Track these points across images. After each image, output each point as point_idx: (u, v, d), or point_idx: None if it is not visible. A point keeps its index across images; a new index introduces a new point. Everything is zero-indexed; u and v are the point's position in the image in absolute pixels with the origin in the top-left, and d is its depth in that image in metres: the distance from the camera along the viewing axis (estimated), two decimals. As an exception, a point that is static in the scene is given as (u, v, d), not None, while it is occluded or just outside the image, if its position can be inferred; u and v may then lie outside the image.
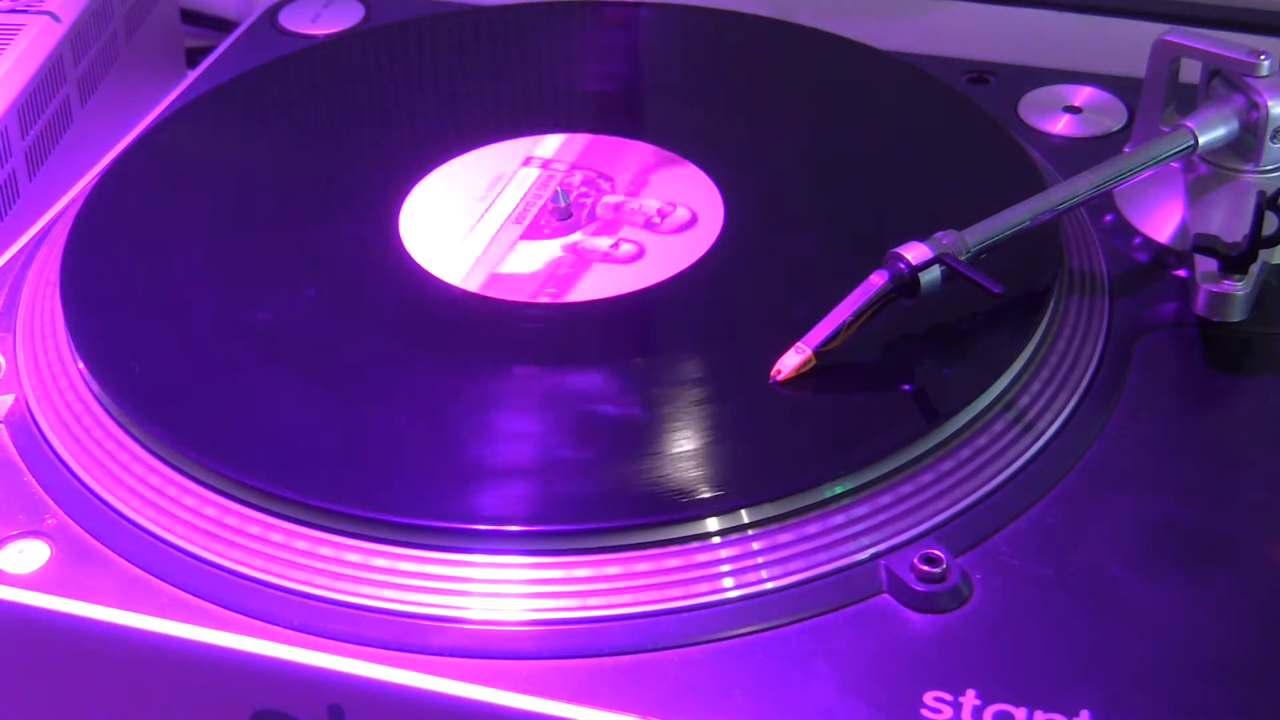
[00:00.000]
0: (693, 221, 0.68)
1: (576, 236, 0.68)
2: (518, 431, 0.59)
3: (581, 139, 0.73)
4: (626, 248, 0.67)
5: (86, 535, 0.57)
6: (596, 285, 0.65)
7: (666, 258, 0.66)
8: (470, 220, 0.69)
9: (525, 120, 0.75)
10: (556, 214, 0.69)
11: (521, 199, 0.70)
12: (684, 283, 0.65)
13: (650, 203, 0.69)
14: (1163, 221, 0.67)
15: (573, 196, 0.69)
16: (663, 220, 0.68)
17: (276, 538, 0.56)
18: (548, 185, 0.70)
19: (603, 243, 0.67)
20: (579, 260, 0.66)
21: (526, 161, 0.72)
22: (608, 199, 0.70)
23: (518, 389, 0.61)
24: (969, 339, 0.61)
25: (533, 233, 0.68)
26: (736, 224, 0.67)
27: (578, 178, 0.71)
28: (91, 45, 0.83)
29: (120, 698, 0.56)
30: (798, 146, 0.72)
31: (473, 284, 0.65)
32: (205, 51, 0.87)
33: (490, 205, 0.70)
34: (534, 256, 0.67)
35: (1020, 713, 0.50)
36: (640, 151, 0.72)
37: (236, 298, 0.65)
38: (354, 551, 0.55)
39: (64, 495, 0.59)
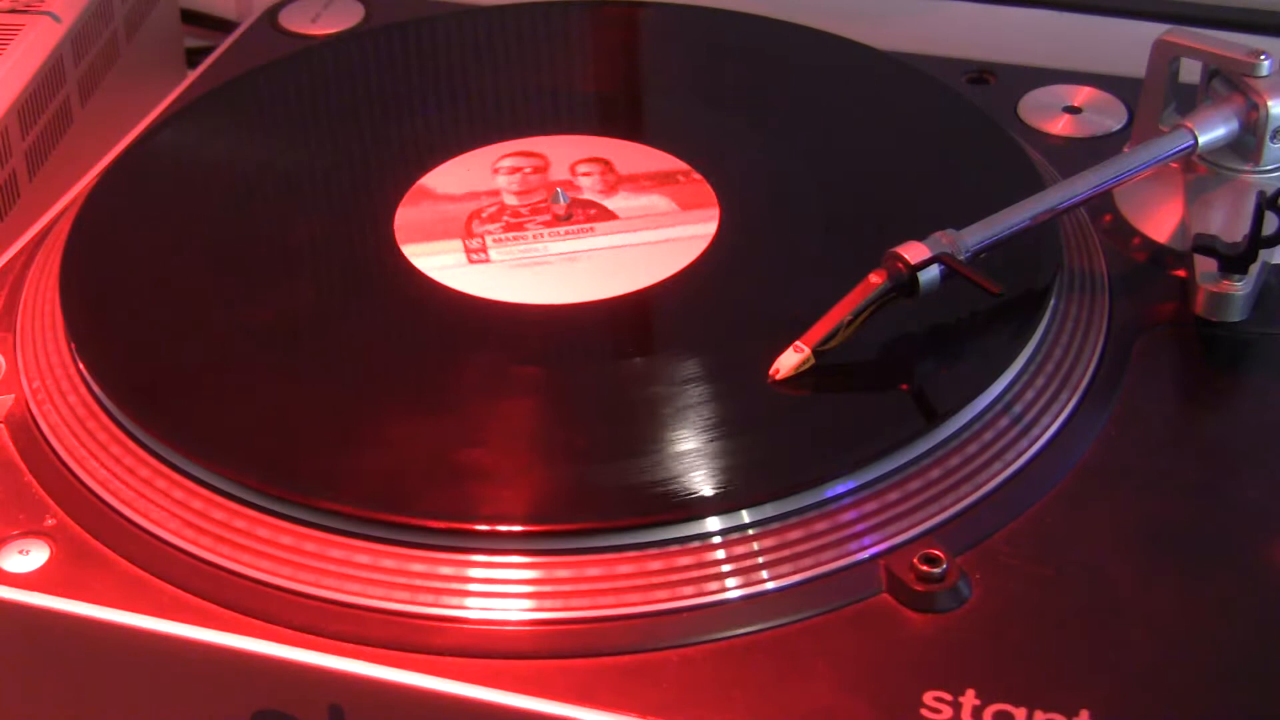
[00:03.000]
0: (690, 223, 0.68)
1: (575, 236, 0.68)
2: (517, 431, 0.59)
3: (582, 139, 0.73)
4: (622, 246, 0.67)
5: (86, 535, 0.57)
6: (596, 285, 0.65)
7: (666, 258, 0.66)
8: (469, 221, 0.69)
9: (524, 120, 0.75)
10: (556, 215, 0.69)
11: (520, 199, 0.70)
12: (684, 283, 0.65)
13: (642, 200, 0.69)
14: (1162, 221, 0.67)
15: (572, 196, 0.70)
16: (655, 218, 0.68)
17: (277, 538, 0.56)
18: (547, 185, 0.70)
19: (600, 242, 0.67)
20: (577, 259, 0.66)
21: (525, 162, 0.72)
22: (605, 199, 0.70)
23: (517, 389, 0.61)
24: (968, 339, 0.61)
25: (530, 233, 0.68)
26: (736, 224, 0.67)
27: (577, 178, 0.71)
28: (91, 45, 0.83)
29: (120, 698, 0.56)
30: (797, 146, 0.72)
31: (472, 284, 0.65)
32: (205, 51, 0.87)
33: (489, 205, 0.70)
34: (533, 256, 0.67)
35: (1020, 713, 0.50)
36: (640, 151, 0.72)
37: (236, 298, 0.65)
38: (355, 551, 0.55)
39: (64, 495, 0.59)
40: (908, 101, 0.75)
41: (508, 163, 0.72)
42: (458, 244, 0.67)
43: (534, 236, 0.68)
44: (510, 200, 0.70)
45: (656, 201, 0.69)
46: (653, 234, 0.67)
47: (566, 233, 0.68)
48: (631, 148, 0.73)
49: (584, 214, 0.69)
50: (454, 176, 0.71)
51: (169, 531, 0.57)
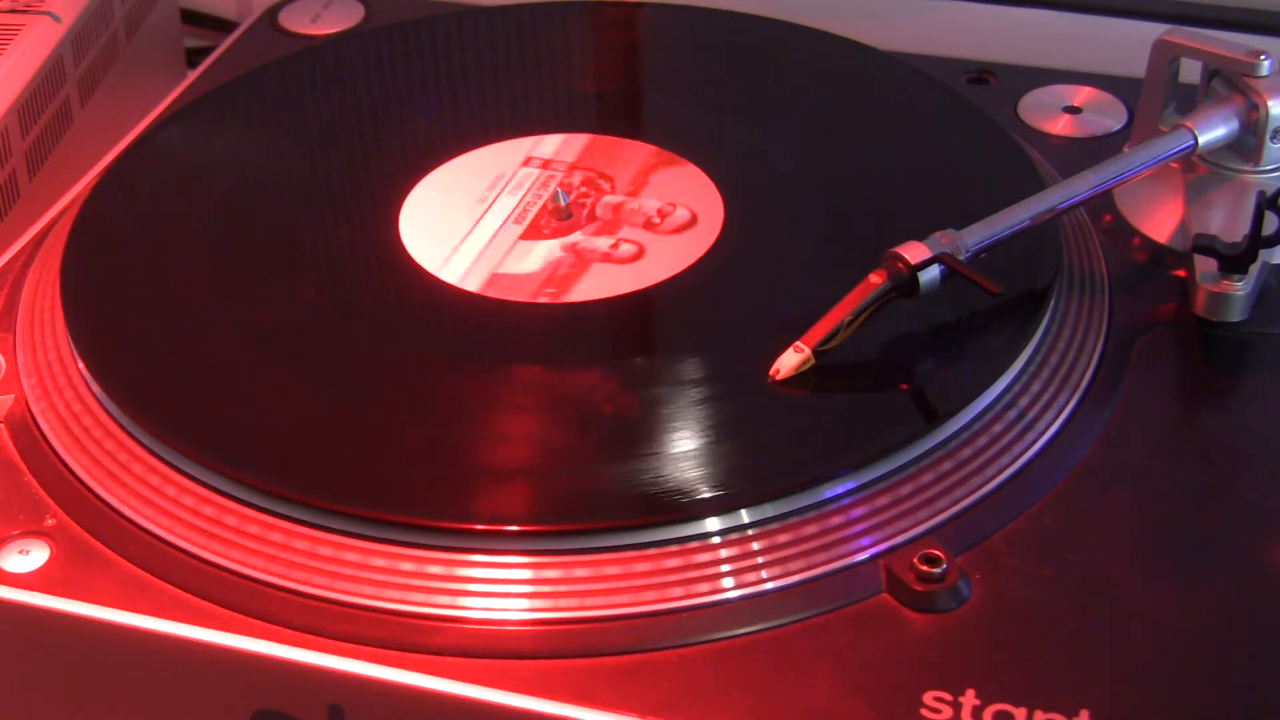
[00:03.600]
0: (693, 221, 0.68)
1: (576, 236, 0.68)
2: (517, 431, 0.59)
3: (581, 139, 0.73)
4: (626, 248, 0.67)
5: (86, 535, 0.57)
6: (596, 285, 0.65)
7: (666, 258, 0.66)
8: (470, 220, 0.69)
9: (525, 120, 0.75)
10: (556, 214, 0.69)
11: (521, 199, 0.70)
12: (684, 283, 0.65)
13: (650, 203, 0.69)
14: (1162, 221, 0.67)
15: (573, 196, 0.70)
16: (663, 220, 0.68)
17: (276, 537, 0.56)
18: (548, 185, 0.70)
19: (602, 243, 0.67)
20: (579, 260, 0.66)
21: (526, 162, 0.72)
22: (608, 199, 0.70)
23: (517, 389, 0.61)
24: (969, 339, 0.61)
25: (532, 233, 0.68)
26: (736, 224, 0.67)
27: (578, 178, 0.71)
28: (91, 45, 0.83)
29: (120, 698, 0.56)
30: (798, 146, 0.72)
31: (472, 284, 0.65)
32: (205, 51, 0.87)
33: (490, 205, 0.70)
34: (534, 256, 0.67)
35: (1020, 713, 0.50)
36: (640, 151, 0.72)
37: (236, 298, 0.65)
38: (354, 551, 0.55)
39: (64, 495, 0.59)
40: (908, 101, 0.75)
41: (511, 163, 0.72)
42: (458, 244, 0.67)
43: (535, 236, 0.68)
44: (512, 200, 0.70)
45: (657, 202, 0.69)
46: (654, 234, 0.67)
47: (567, 232, 0.68)
48: (632, 147, 0.73)
49: (584, 214, 0.69)
50: (454, 176, 0.71)
51: (169, 531, 0.57)
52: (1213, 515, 0.57)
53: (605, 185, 0.70)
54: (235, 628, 0.54)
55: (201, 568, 0.56)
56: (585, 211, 0.69)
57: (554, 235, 0.68)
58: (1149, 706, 0.51)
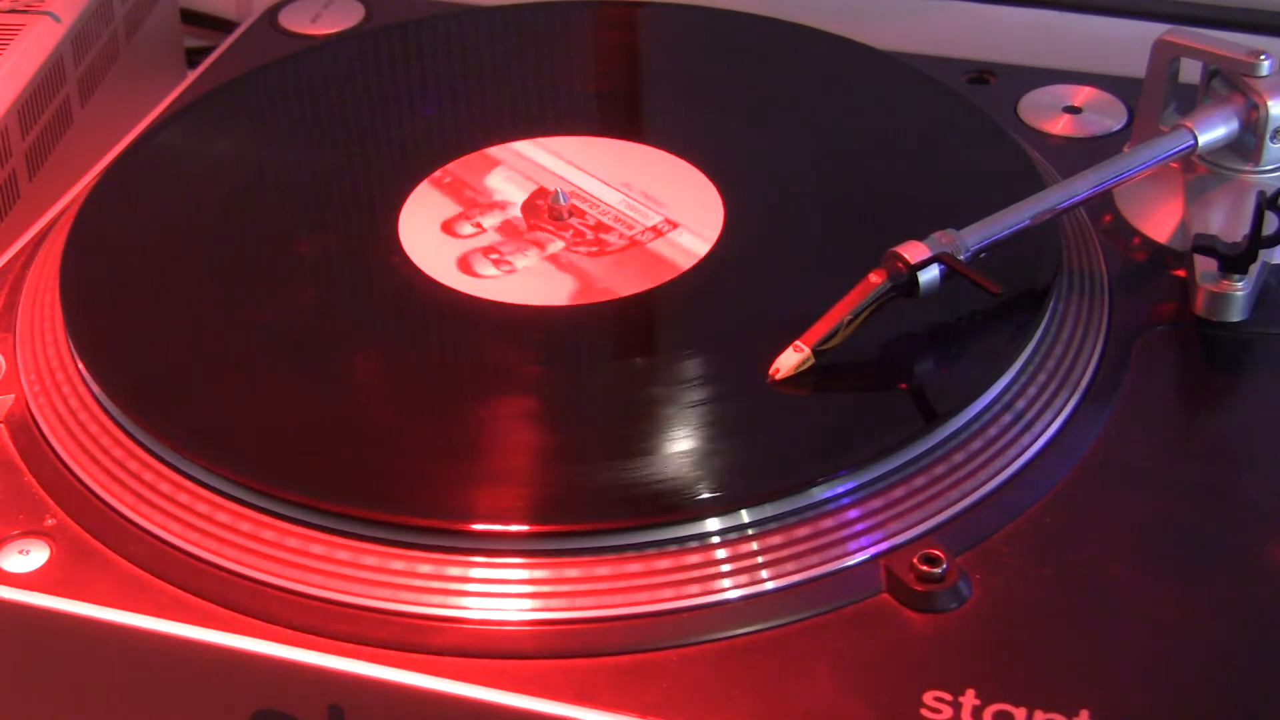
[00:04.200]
0: (691, 223, 0.68)
1: (575, 237, 0.68)
2: (517, 431, 0.59)
3: (582, 139, 0.73)
4: (622, 249, 0.67)
5: (86, 535, 0.57)
6: (596, 286, 0.65)
7: (666, 258, 0.66)
8: (470, 221, 0.69)
9: (525, 120, 0.75)
10: (555, 215, 0.69)
11: (521, 200, 0.70)
12: (684, 283, 0.65)
13: (645, 205, 0.69)
14: (1162, 221, 0.67)
15: (572, 198, 0.69)
16: (656, 225, 0.68)
17: (276, 538, 0.56)
18: (547, 185, 0.70)
19: (601, 244, 0.67)
20: (579, 260, 0.66)
21: (526, 162, 0.72)
22: (605, 201, 0.70)
23: (517, 389, 0.61)
24: (969, 339, 0.61)
25: (532, 233, 0.68)
26: (736, 224, 0.67)
27: (576, 179, 0.71)
28: (91, 45, 0.83)
29: (120, 698, 0.56)
30: (798, 146, 0.72)
31: (472, 285, 0.65)
32: (205, 51, 0.87)
33: (490, 206, 0.70)
34: (534, 257, 0.67)
35: (1020, 713, 0.50)
36: (640, 151, 0.72)
37: (236, 298, 0.65)
38: (354, 551, 0.55)
39: (64, 495, 0.59)
40: (908, 101, 0.75)
41: (510, 164, 0.72)
42: (459, 244, 0.67)
43: (535, 237, 0.68)
44: (512, 200, 0.70)
45: (657, 202, 0.69)
46: (654, 234, 0.67)
47: (567, 232, 0.68)
48: (632, 147, 0.73)
49: (585, 214, 0.69)
50: (455, 177, 0.71)
51: (169, 531, 0.57)
52: (1213, 515, 0.57)
53: (603, 187, 0.70)
54: (235, 628, 0.54)
55: (201, 568, 0.56)
56: (584, 212, 0.69)
57: (554, 235, 0.68)
58: (1149, 706, 0.51)
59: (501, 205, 0.70)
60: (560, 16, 0.82)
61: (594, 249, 0.67)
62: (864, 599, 0.54)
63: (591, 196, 0.70)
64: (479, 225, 0.68)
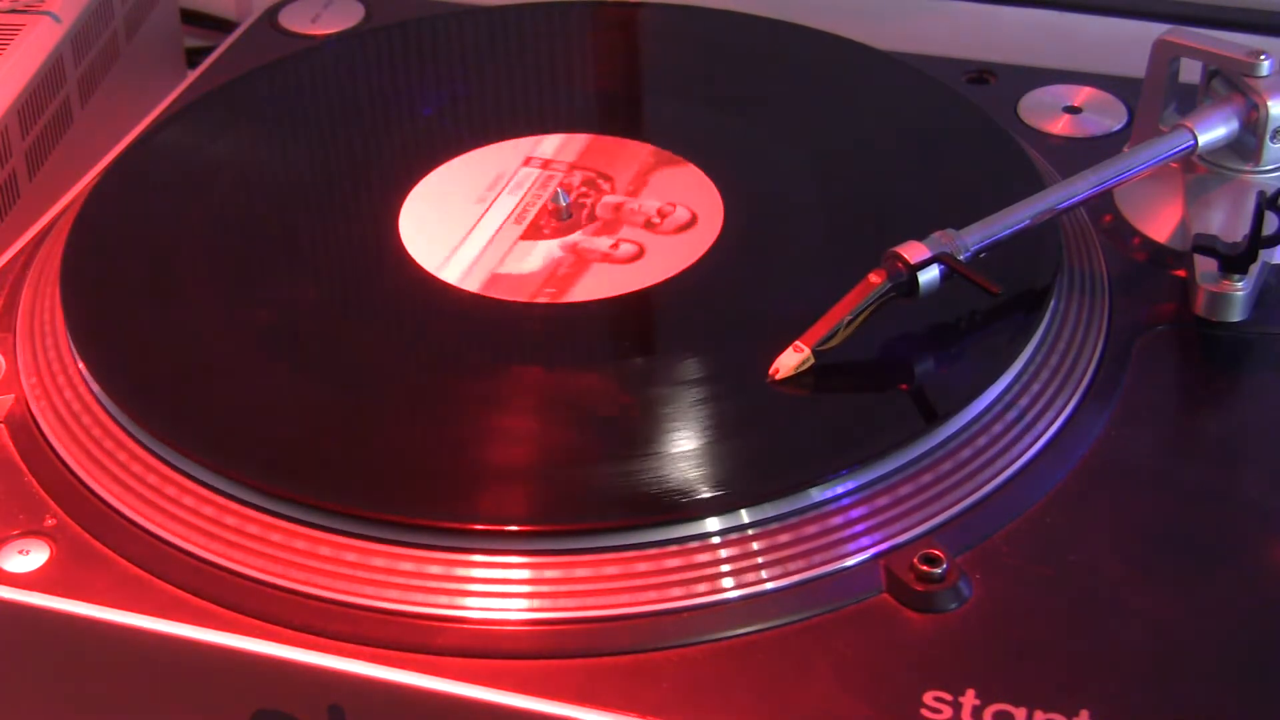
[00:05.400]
0: (693, 221, 0.68)
1: (576, 237, 0.68)
2: (517, 431, 0.59)
3: (581, 139, 0.73)
4: (626, 248, 0.67)
5: (86, 535, 0.57)
6: (596, 285, 0.65)
7: (666, 258, 0.66)
8: (470, 220, 0.69)
9: (525, 120, 0.75)
10: (556, 214, 0.69)
11: (521, 199, 0.70)
12: (684, 283, 0.65)
13: (650, 203, 0.69)
14: (1162, 221, 0.67)
15: (573, 196, 0.70)
16: (663, 220, 0.68)
17: (276, 537, 0.56)
18: (548, 185, 0.71)
19: (602, 243, 0.67)
20: (579, 260, 0.66)
21: (526, 162, 0.72)
22: (608, 199, 0.70)
23: (517, 389, 0.61)
24: (969, 339, 0.61)
25: (532, 233, 0.68)
26: (736, 224, 0.67)
27: (578, 178, 0.71)
28: (91, 45, 0.83)
29: (120, 697, 0.56)
30: (798, 146, 0.72)
31: (472, 284, 0.65)
32: (205, 51, 0.87)
33: (490, 205, 0.70)
34: (534, 256, 0.67)
35: (1020, 713, 0.50)
36: (640, 151, 0.72)
37: (236, 298, 0.65)
38: (354, 551, 0.55)
39: (64, 495, 0.59)
40: (908, 101, 0.75)
41: (511, 163, 0.72)
42: (458, 244, 0.67)
43: (535, 236, 0.68)
44: (513, 200, 0.70)
45: (657, 202, 0.69)
46: (653, 234, 0.67)
47: (567, 233, 0.68)
48: (632, 147, 0.73)
49: (585, 214, 0.69)
50: (455, 176, 0.71)
51: (169, 531, 0.57)
52: (1213, 515, 0.57)
53: (605, 185, 0.70)
54: (235, 628, 0.54)
55: (201, 568, 0.56)
56: (585, 212, 0.69)
57: (554, 235, 0.68)
58: (1149, 706, 0.51)
59: (502, 204, 0.69)
60: (560, 16, 0.82)
61: (594, 249, 0.67)
62: (864, 599, 0.54)
63: (591, 197, 0.70)
64: (482, 224, 0.69)
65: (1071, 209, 0.64)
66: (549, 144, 0.73)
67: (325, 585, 0.55)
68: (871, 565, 0.55)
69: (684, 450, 0.57)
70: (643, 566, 0.54)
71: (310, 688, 0.53)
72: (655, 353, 0.63)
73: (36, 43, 0.78)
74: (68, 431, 0.61)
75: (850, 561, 0.55)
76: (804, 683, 0.51)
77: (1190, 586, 0.54)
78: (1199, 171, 0.67)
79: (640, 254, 0.66)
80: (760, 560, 0.54)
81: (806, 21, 0.79)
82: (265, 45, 0.83)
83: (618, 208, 0.69)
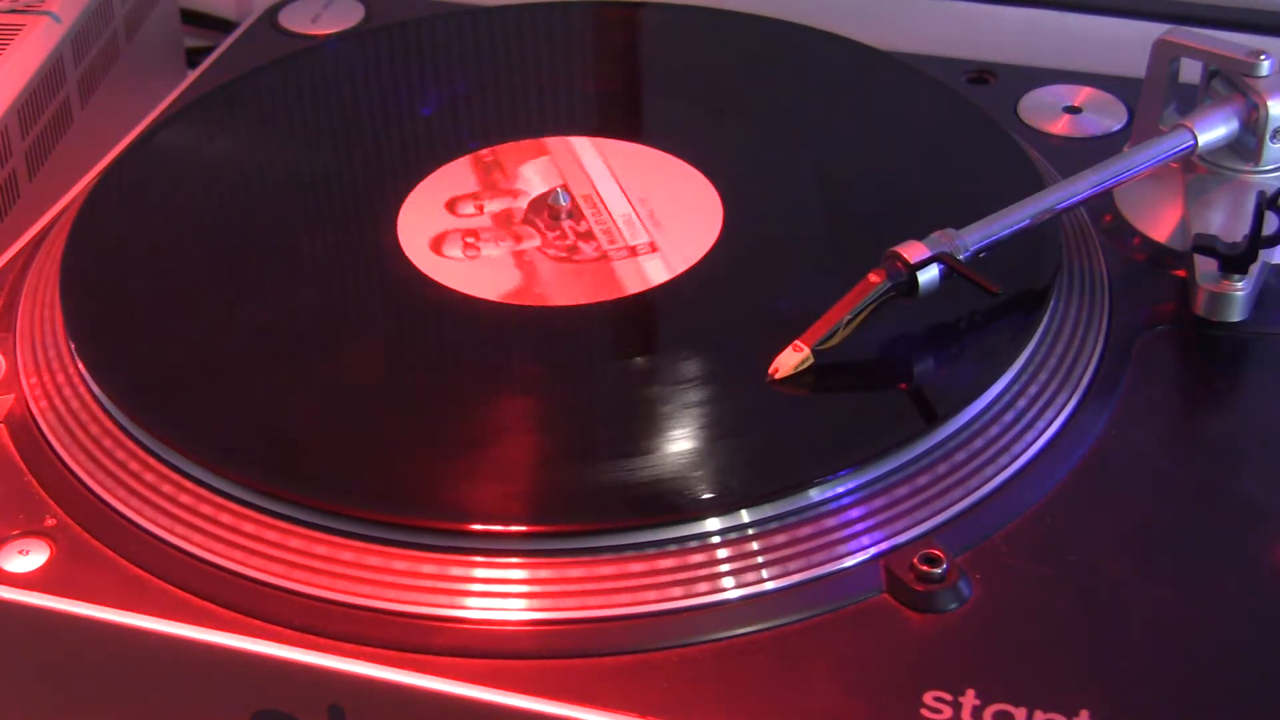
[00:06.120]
0: (689, 223, 0.68)
1: (575, 238, 0.68)
2: (517, 431, 0.59)
3: (582, 139, 0.73)
4: (624, 250, 0.67)
5: (86, 535, 0.57)
6: (595, 286, 0.65)
7: (666, 258, 0.66)
8: (469, 221, 0.69)
9: (526, 120, 0.75)
10: (556, 215, 0.69)
11: (521, 200, 0.70)
12: (684, 283, 0.65)
13: (646, 205, 0.69)
14: (1162, 221, 0.67)
15: (572, 198, 0.69)
16: (657, 223, 0.68)
17: (276, 537, 0.56)
18: (547, 186, 0.70)
19: (602, 243, 0.67)
20: (578, 260, 0.66)
21: (525, 162, 0.72)
22: (605, 201, 0.70)
23: (517, 389, 0.61)
24: (968, 339, 0.61)
25: (531, 234, 0.68)
26: (736, 224, 0.67)
27: (577, 179, 0.71)
28: (91, 45, 0.83)
29: (120, 698, 0.56)
30: (797, 146, 0.72)
31: (473, 284, 0.65)
32: (205, 51, 0.87)
33: (490, 206, 0.70)
34: (533, 257, 0.67)
35: (1020, 713, 0.50)
36: (640, 151, 0.72)
37: (236, 298, 0.65)
38: (354, 551, 0.55)
39: (64, 495, 0.59)
40: (908, 101, 0.75)
41: (509, 164, 0.72)
42: (458, 244, 0.67)
43: (535, 236, 0.68)
44: (512, 200, 0.70)
45: (656, 202, 0.69)
46: (653, 234, 0.67)
47: (567, 232, 0.68)
48: (631, 147, 0.73)
49: (585, 214, 0.69)
50: (454, 177, 0.71)
51: (169, 532, 0.57)
52: (1213, 515, 0.57)
53: (603, 187, 0.70)
54: (235, 628, 0.54)
55: (201, 568, 0.56)
56: (584, 212, 0.69)
57: (553, 235, 0.68)
58: (1149, 706, 0.51)
59: (503, 204, 0.70)
60: (560, 16, 0.82)
61: (593, 249, 0.67)
62: (864, 599, 0.54)
63: (590, 198, 0.70)
64: (480, 208, 0.69)
65: (1071, 209, 0.64)
66: (549, 144, 0.73)
67: (325, 585, 0.55)
68: (871, 565, 0.55)
69: (684, 450, 0.57)
70: (642, 566, 0.54)
71: (310, 688, 0.53)
72: (655, 353, 0.63)
73: (36, 43, 0.78)
74: (68, 431, 0.61)
75: (850, 561, 0.55)
76: (804, 683, 0.51)
77: (1190, 586, 0.54)
78: (1199, 171, 0.67)
79: (640, 256, 0.66)
80: (760, 560, 0.54)
81: (806, 21, 0.79)
82: (265, 45, 0.83)
83: (615, 210, 0.69)
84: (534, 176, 0.71)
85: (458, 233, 0.68)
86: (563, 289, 0.65)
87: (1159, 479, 0.58)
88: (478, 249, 0.67)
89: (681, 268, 0.65)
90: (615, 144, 0.73)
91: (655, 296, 0.64)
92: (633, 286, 0.64)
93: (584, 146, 0.73)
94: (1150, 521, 0.56)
